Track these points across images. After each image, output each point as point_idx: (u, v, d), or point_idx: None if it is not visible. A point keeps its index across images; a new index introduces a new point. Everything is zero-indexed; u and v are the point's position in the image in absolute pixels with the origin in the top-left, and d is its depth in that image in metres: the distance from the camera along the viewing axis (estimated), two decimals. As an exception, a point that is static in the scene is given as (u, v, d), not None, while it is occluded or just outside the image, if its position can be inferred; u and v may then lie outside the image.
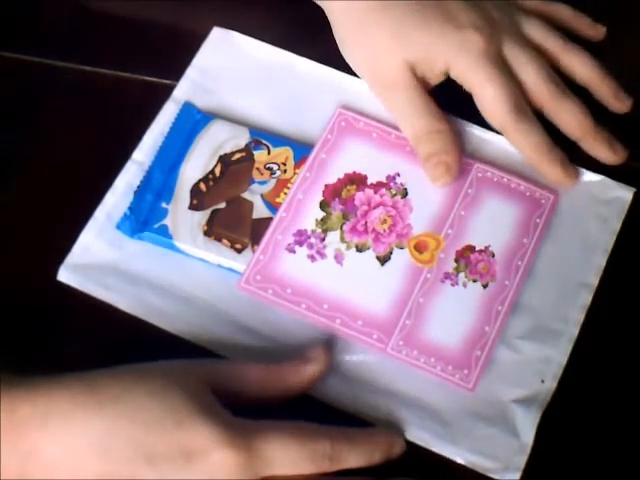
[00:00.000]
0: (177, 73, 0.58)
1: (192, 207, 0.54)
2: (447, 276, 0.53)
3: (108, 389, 0.44)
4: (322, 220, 0.54)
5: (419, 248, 0.53)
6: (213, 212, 0.54)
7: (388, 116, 0.57)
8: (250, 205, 0.54)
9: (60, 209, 0.55)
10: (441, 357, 0.51)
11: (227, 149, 0.56)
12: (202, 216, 0.54)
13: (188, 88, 0.58)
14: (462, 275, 0.53)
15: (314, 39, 0.60)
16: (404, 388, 0.50)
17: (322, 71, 0.58)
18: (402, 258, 0.53)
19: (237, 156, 0.56)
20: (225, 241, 0.53)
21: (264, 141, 0.56)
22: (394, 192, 0.55)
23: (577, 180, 0.56)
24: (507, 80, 0.54)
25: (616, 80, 0.57)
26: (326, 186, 0.55)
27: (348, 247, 0.53)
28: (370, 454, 0.46)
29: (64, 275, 0.53)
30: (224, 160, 0.55)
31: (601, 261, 0.54)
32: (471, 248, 0.53)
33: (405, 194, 0.55)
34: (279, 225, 0.53)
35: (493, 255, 0.53)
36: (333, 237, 0.53)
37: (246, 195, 0.55)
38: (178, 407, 0.43)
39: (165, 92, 0.58)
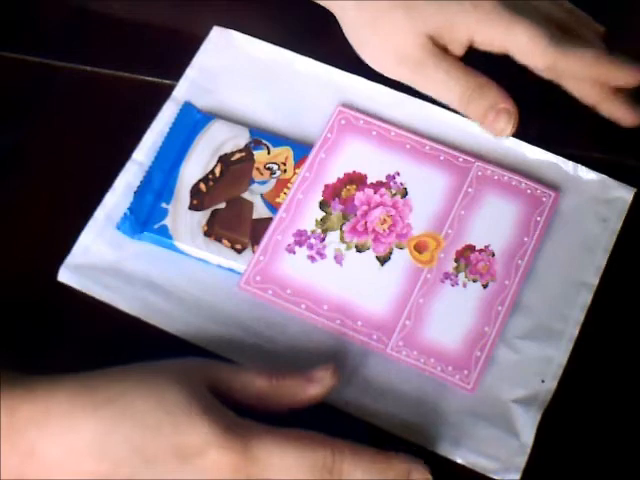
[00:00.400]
0: (177, 73, 0.58)
1: (192, 207, 0.54)
2: (447, 276, 0.53)
3: (107, 390, 0.44)
4: (322, 220, 0.54)
5: (419, 248, 0.53)
6: (213, 212, 0.54)
7: (388, 115, 0.57)
8: (250, 205, 0.54)
9: (60, 209, 0.55)
10: (441, 357, 0.51)
11: (227, 149, 0.56)
12: (202, 216, 0.54)
13: (188, 88, 0.58)
14: (462, 275, 0.53)
15: (314, 38, 0.60)
16: (404, 388, 0.50)
17: (322, 70, 0.58)
18: (402, 258, 0.53)
19: (237, 156, 0.56)
20: (225, 241, 0.53)
21: (264, 141, 0.56)
22: (394, 192, 0.55)
23: None
24: (531, 17, 0.54)
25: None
26: (326, 186, 0.55)
27: (348, 247, 0.53)
28: (383, 474, 0.45)
29: (64, 275, 0.53)
30: (224, 160, 0.55)
31: (601, 261, 0.54)
32: (471, 248, 0.53)
33: (405, 194, 0.55)
34: (279, 225, 0.53)
35: (493, 254, 0.53)
36: (333, 237, 0.53)
37: (246, 195, 0.55)
38: (176, 407, 0.43)
39: (165, 92, 0.58)
